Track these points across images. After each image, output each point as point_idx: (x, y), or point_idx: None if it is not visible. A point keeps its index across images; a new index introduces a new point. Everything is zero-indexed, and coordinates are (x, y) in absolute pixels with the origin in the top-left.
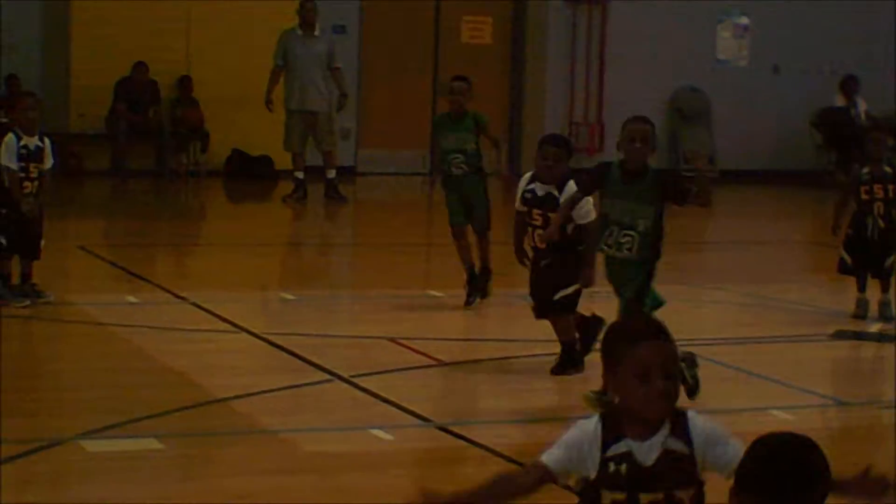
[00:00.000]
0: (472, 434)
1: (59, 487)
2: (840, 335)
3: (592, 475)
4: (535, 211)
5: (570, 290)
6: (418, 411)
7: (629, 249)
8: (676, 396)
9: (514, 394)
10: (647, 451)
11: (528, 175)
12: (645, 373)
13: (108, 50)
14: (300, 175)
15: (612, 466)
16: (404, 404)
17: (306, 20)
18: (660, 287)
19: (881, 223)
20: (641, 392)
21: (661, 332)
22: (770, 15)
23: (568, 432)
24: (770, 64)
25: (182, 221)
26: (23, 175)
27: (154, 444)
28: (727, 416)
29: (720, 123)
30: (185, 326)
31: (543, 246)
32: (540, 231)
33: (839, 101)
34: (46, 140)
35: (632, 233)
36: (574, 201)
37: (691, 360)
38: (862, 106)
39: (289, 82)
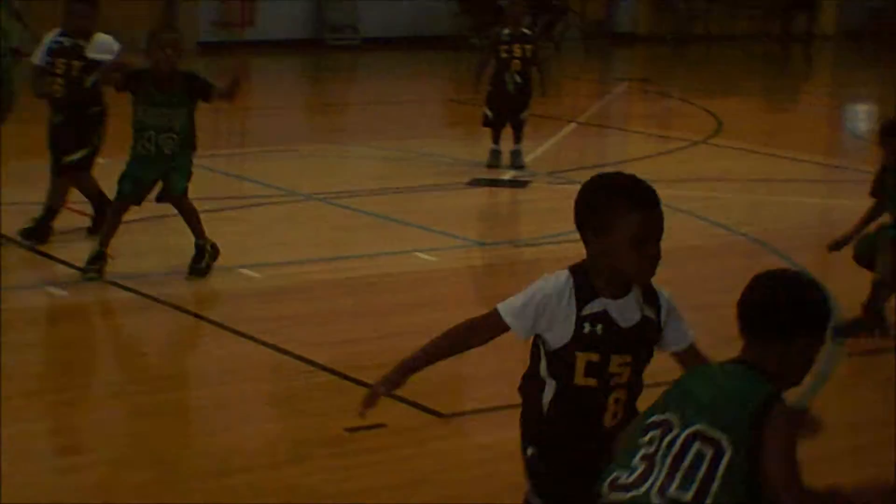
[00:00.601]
0: (141, 287)
1: None
2: (475, 183)
3: (567, 337)
4: (60, 60)
5: (80, 154)
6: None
7: (170, 150)
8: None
9: (179, 249)
10: (621, 309)
11: (56, 30)
12: (642, 240)
13: None
14: None
15: (587, 326)
16: (76, 263)
17: None
18: (307, 146)
19: (518, 79)
20: (634, 258)
21: (657, 198)
22: None
23: (532, 288)
24: None
25: None
26: None
27: None
28: (374, 260)
29: None
30: None
31: (60, 96)
32: (61, 80)
33: None
34: None
35: (171, 134)
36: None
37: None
38: None
39: None
